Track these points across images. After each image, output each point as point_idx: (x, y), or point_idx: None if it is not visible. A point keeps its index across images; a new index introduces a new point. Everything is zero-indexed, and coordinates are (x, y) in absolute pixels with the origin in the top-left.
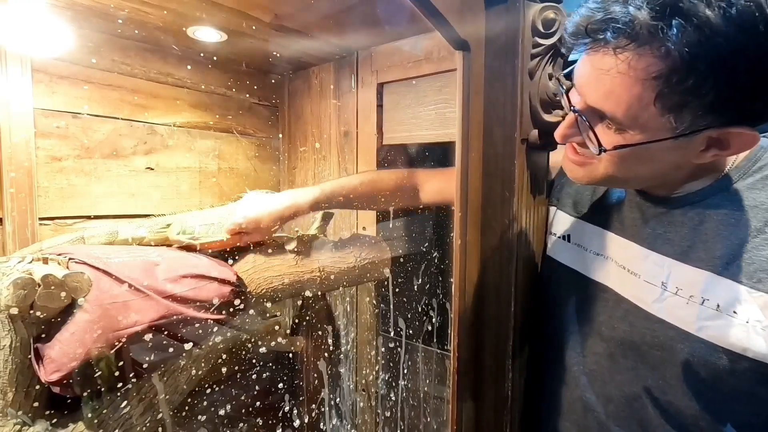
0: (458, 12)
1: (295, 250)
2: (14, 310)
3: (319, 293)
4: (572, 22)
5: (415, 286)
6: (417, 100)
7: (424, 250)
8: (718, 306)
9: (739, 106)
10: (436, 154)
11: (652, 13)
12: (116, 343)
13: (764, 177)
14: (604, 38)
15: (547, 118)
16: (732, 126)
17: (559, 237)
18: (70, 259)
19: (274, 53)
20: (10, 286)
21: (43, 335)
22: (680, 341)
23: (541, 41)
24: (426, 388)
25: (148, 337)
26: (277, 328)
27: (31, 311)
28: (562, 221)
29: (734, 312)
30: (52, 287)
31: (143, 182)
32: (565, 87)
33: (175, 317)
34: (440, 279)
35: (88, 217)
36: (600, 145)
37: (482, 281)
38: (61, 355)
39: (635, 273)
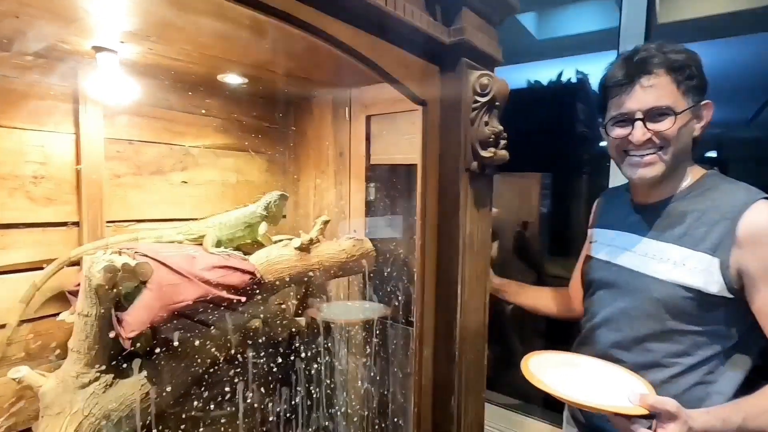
0: (419, 81)
1: (300, 248)
2: (101, 289)
3: (317, 282)
4: (618, 68)
5: (391, 275)
6: (396, 130)
7: (397, 247)
8: (675, 262)
9: (703, 87)
10: (411, 173)
11: (656, 50)
12: (171, 314)
13: (704, 191)
14: (649, 70)
15: (484, 153)
16: (703, 99)
17: (595, 242)
18: (135, 252)
19: (284, 90)
20: (101, 270)
21: (120, 307)
22: (658, 285)
23: (479, 99)
24: (394, 356)
25: (190, 311)
26: (283, 309)
27: (113, 289)
28: (593, 234)
29: (684, 264)
30: (128, 273)
31: (180, 193)
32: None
33: (210, 297)
34: (406, 269)
35: (139, 221)
36: (675, 114)
37: (438, 270)
38: (136, 319)
39: (632, 251)
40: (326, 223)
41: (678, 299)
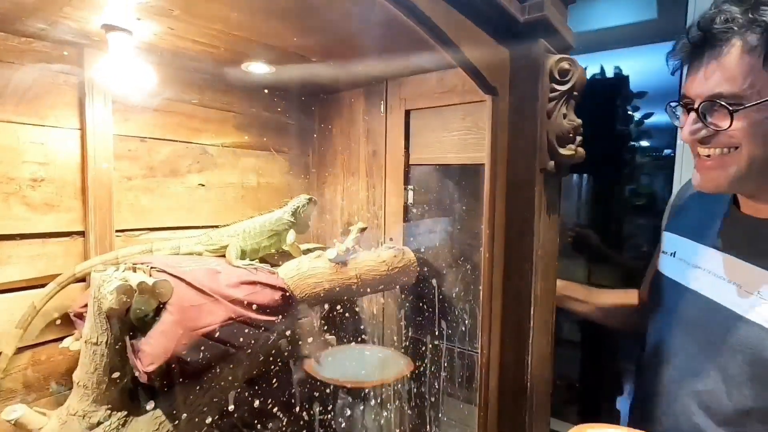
0: (488, 64)
1: (336, 259)
2: (113, 313)
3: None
4: (681, 45)
5: (442, 292)
6: (442, 126)
7: (449, 260)
8: None
9: None
10: (458, 174)
11: (742, 7)
12: (197, 340)
13: None
14: (719, 39)
15: (562, 151)
16: None
17: (668, 254)
18: (152, 267)
19: (312, 81)
20: (113, 291)
21: (135, 334)
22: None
23: (557, 87)
24: (452, 386)
25: (216, 335)
26: (312, 323)
27: (127, 313)
28: (670, 240)
29: None
30: (145, 293)
31: (196, 197)
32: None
33: (238, 318)
34: (468, 285)
35: (152, 230)
36: (730, 112)
37: (506, 288)
38: (156, 349)
39: (732, 281)
40: (363, 230)
41: None
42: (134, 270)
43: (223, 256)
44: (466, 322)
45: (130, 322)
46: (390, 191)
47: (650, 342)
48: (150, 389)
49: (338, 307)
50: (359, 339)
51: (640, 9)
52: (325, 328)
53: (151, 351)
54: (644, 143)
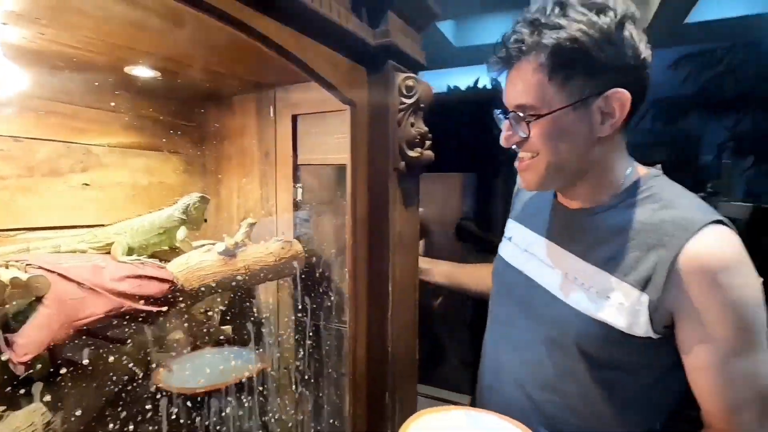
0: (347, 81)
1: (225, 252)
2: None
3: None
4: (492, 60)
5: (326, 277)
6: (325, 130)
7: (333, 248)
8: (598, 291)
9: (602, 74)
10: (339, 173)
11: (529, 29)
12: (77, 330)
13: (643, 199)
14: (516, 56)
15: (411, 153)
16: (606, 90)
17: (507, 239)
18: (27, 264)
19: (203, 86)
20: None
21: (7, 328)
22: (572, 315)
23: (405, 100)
24: (329, 359)
25: (101, 326)
26: (207, 318)
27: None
28: (510, 226)
29: (608, 297)
30: (18, 288)
31: (81, 197)
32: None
33: (124, 309)
34: (337, 269)
35: (30, 229)
36: (527, 122)
37: (369, 268)
38: (30, 340)
39: (550, 265)
40: (252, 225)
41: (596, 338)
42: (7, 267)
43: (109, 253)
44: (343, 301)
45: (4, 317)
46: (281, 189)
47: (490, 317)
48: (29, 382)
49: (228, 300)
50: (254, 331)
51: None
52: (209, 321)
53: (25, 342)
54: None
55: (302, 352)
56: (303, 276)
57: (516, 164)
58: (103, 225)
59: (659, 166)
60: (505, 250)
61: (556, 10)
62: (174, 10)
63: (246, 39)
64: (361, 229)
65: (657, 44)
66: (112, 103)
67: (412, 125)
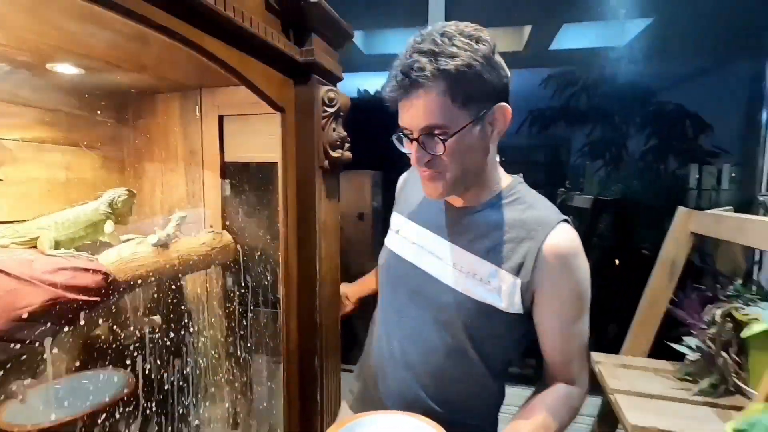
0: (278, 91)
1: (158, 244)
2: None
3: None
4: (392, 86)
5: (252, 261)
6: (251, 130)
7: (257, 237)
8: (482, 278)
9: (491, 93)
10: (265, 170)
11: (427, 58)
12: (15, 322)
13: (512, 201)
14: (419, 83)
15: (333, 154)
16: (494, 104)
17: (393, 231)
18: None
19: (125, 83)
20: None
21: None
22: (460, 300)
23: (327, 109)
24: (266, 331)
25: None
26: (135, 310)
27: None
28: (396, 220)
29: (489, 282)
30: None
31: None
32: (402, 136)
33: (60, 300)
34: (266, 256)
35: None
36: (442, 141)
37: (299, 252)
38: None
39: (441, 258)
40: (183, 218)
41: (480, 318)
42: None
43: (35, 247)
44: (277, 281)
45: None
46: (209, 185)
47: (380, 306)
48: None
49: (158, 290)
50: (184, 322)
51: None
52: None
53: None
54: None
55: (237, 330)
56: (234, 263)
57: (422, 174)
58: (19, 221)
59: (521, 174)
60: (393, 242)
61: (445, 40)
62: (93, 12)
63: (172, 43)
64: (291, 219)
65: (530, 65)
66: (27, 97)
67: (334, 130)
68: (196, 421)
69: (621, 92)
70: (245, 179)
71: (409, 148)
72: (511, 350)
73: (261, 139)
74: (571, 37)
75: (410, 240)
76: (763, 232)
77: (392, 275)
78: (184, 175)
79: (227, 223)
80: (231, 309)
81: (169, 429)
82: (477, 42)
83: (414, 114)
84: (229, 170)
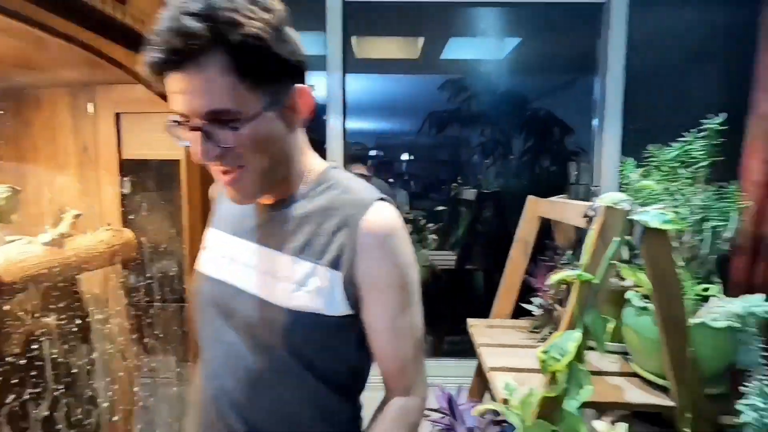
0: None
1: (51, 243)
2: None
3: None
4: (153, 57)
5: (154, 257)
6: (151, 127)
7: (159, 232)
8: (298, 281)
9: (286, 71)
10: (165, 166)
11: (201, 23)
12: None
13: (326, 188)
14: (180, 55)
15: None
16: (291, 86)
17: (202, 250)
18: None
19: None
20: None
21: None
22: (274, 313)
23: None
24: (171, 322)
25: None
26: (25, 312)
27: None
28: (207, 237)
29: (305, 284)
30: None
31: None
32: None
33: None
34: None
35: None
36: (234, 130)
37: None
38: None
39: (252, 266)
40: (77, 216)
41: (303, 330)
42: None
43: None
44: (180, 273)
45: None
46: (105, 182)
47: (200, 347)
48: None
49: (51, 291)
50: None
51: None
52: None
53: None
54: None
55: (140, 324)
56: (135, 259)
57: (218, 176)
58: None
59: (335, 162)
60: (201, 263)
61: (224, 3)
62: None
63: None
64: (194, 212)
65: (424, 71)
66: None
67: None
68: None
69: (503, 99)
70: (146, 176)
71: (188, 140)
72: (355, 360)
73: (161, 137)
74: (458, 49)
75: (219, 254)
76: (574, 212)
77: (204, 300)
78: (76, 173)
79: (130, 218)
80: (135, 303)
81: None
82: (265, 11)
83: (191, 96)
84: (128, 167)
